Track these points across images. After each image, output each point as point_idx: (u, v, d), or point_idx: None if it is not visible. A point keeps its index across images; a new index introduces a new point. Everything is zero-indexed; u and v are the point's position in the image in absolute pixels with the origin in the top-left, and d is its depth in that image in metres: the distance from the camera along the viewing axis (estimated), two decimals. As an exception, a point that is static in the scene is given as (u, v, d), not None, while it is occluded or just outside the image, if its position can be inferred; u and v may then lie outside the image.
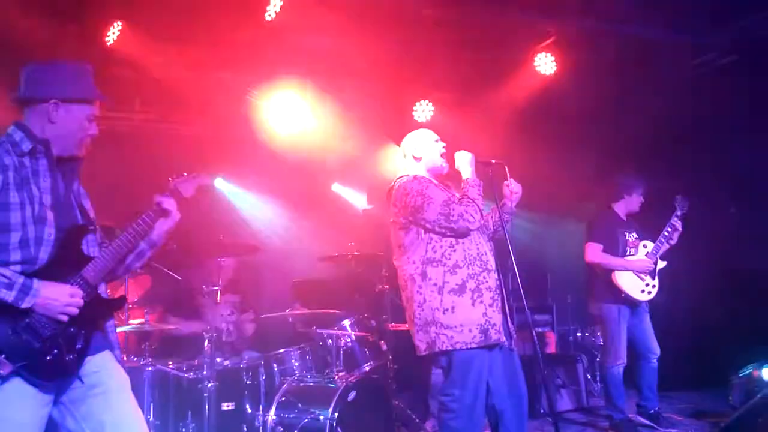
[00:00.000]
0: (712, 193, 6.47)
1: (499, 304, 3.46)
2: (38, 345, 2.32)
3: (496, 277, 3.52)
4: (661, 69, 6.54)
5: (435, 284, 3.39)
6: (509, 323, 3.51)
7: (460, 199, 3.50)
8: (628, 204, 5.41)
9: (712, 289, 6.49)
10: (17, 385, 2.29)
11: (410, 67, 6.32)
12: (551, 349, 7.19)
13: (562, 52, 6.20)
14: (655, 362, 5.26)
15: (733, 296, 6.33)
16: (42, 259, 2.38)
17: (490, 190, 3.63)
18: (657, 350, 5.26)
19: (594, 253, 5.22)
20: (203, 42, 5.55)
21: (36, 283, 2.31)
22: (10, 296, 2.26)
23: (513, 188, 3.72)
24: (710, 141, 6.55)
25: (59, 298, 2.34)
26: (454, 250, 3.43)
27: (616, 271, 5.15)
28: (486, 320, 3.37)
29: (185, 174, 2.81)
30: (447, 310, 3.36)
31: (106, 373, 2.55)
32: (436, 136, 3.78)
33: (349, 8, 5.25)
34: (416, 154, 3.71)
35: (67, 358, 2.39)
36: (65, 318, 2.36)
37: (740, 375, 5.21)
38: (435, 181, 3.65)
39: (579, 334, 7.33)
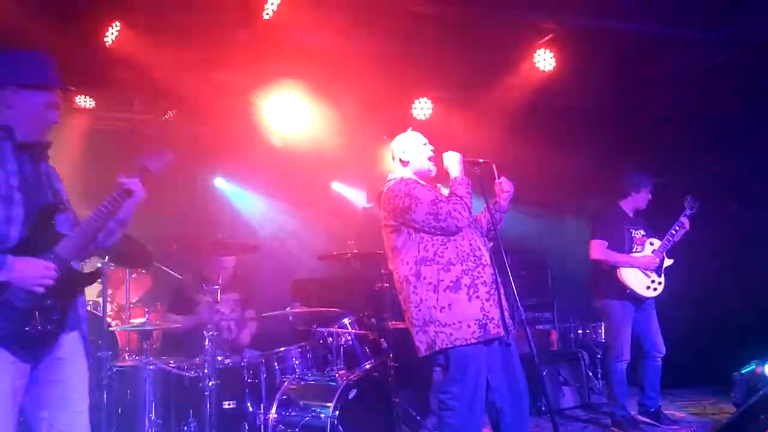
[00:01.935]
0: (713, 189, 6.46)
1: (496, 299, 3.45)
2: (16, 316, 2.45)
3: (492, 271, 3.51)
4: (660, 65, 6.53)
5: (430, 283, 3.39)
6: (507, 318, 3.49)
7: (447, 197, 3.51)
8: (635, 201, 5.38)
9: (714, 286, 6.48)
10: None
11: (409, 65, 6.31)
12: (553, 346, 7.18)
13: (562, 49, 6.18)
14: (659, 361, 5.24)
15: (736, 293, 6.32)
16: (14, 237, 2.49)
17: (480, 189, 3.64)
18: (663, 349, 5.24)
19: (599, 249, 5.18)
20: (201, 42, 5.55)
21: (10, 258, 2.44)
22: None
23: (504, 186, 3.74)
24: (711, 137, 6.53)
25: (33, 271, 2.47)
26: (447, 248, 3.43)
27: (621, 268, 5.13)
28: (484, 315, 3.36)
29: (153, 152, 2.87)
30: (444, 307, 3.35)
31: (69, 363, 2.64)
32: (425, 140, 3.78)
33: (346, 6, 5.24)
34: (404, 157, 3.72)
35: (45, 328, 2.52)
36: (41, 289, 2.48)
37: (742, 372, 5.18)
38: (422, 182, 3.65)
39: (580, 332, 7.32)
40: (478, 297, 3.39)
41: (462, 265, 3.42)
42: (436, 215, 3.41)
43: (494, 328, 3.38)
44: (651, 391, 5.25)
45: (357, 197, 8.88)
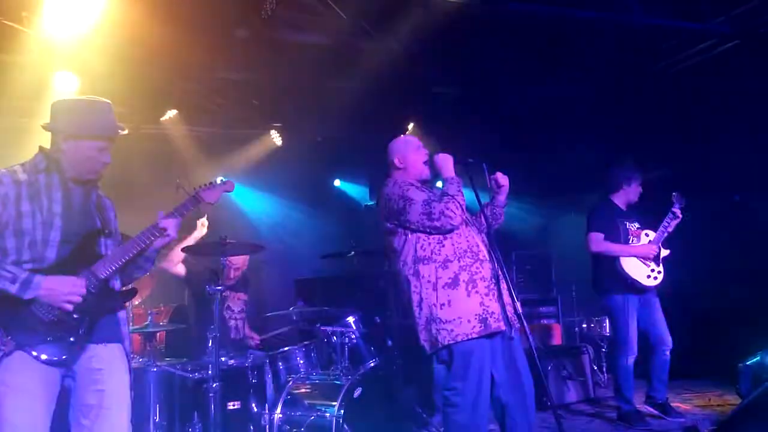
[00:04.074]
0: (716, 180, 6.44)
1: (496, 293, 3.47)
2: (40, 327, 2.65)
3: (491, 266, 3.53)
4: (661, 57, 6.51)
5: (429, 281, 3.43)
6: (510, 312, 3.49)
7: (440, 197, 3.54)
8: (627, 194, 5.38)
9: (719, 277, 6.47)
10: (20, 357, 2.61)
11: (411, 61, 6.30)
12: (557, 340, 7.17)
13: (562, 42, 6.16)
14: (667, 354, 5.22)
15: (740, 283, 6.30)
16: (49, 258, 2.71)
17: (472, 187, 3.68)
18: (670, 342, 5.22)
19: (597, 242, 5.19)
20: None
21: (38, 277, 2.63)
22: (14, 288, 2.58)
23: (500, 181, 3.79)
24: (714, 127, 6.51)
25: (61, 288, 2.64)
26: (443, 246, 3.48)
27: (621, 258, 5.13)
28: (483, 309, 3.38)
29: (211, 183, 3.21)
30: (444, 304, 3.38)
31: (108, 374, 2.81)
32: (420, 143, 3.84)
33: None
34: (399, 164, 3.77)
35: (68, 340, 2.69)
36: (69, 306, 2.66)
37: (747, 363, 5.17)
38: (417, 184, 3.70)
39: (585, 325, 7.31)
40: (477, 292, 3.41)
41: (459, 261, 3.45)
42: (430, 215, 3.45)
43: (495, 322, 3.39)
44: (658, 383, 5.24)
45: (360, 195, 8.88)
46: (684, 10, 5.72)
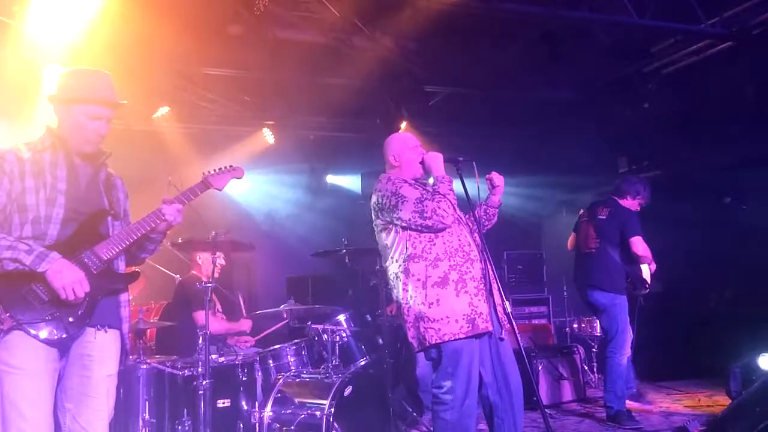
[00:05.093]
0: (708, 182, 6.45)
1: (485, 294, 3.46)
2: (39, 306, 2.63)
3: (482, 266, 3.52)
4: (654, 58, 6.53)
5: (419, 279, 3.42)
6: (497, 313, 3.48)
7: (432, 195, 3.53)
8: (630, 205, 5.44)
9: (710, 279, 6.49)
10: (18, 336, 2.60)
11: (404, 60, 6.29)
12: (548, 340, 7.18)
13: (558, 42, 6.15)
14: None
15: (730, 285, 6.33)
16: (51, 235, 2.70)
17: (463, 186, 3.66)
18: None
19: (643, 245, 5.22)
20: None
21: (54, 253, 2.62)
22: (28, 260, 2.58)
23: (495, 181, 3.78)
24: (706, 129, 6.53)
25: (69, 276, 2.61)
26: (434, 244, 3.47)
27: (645, 264, 5.26)
28: (472, 310, 3.37)
29: (220, 168, 3.17)
30: (432, 303, 3.37)
31: (98, 361, 2.78)
32: (416, 142, 3.83)
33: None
34: (394, 160, 3.77)
35: (67, 320, 2.67)
36: (63, 294, 2.61)
37: (738, 364, 5.20)
38: (410, 181, 3.68)
39: (576, 326, 7.32)
40: (466, 292, 3.40)
41: (450, 260, 3.44)
42: (422, 213, 3.44)
43: (483, 322, 3.38)
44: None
45: (352, 192, 8.87)
46: (677, 12, 5.73)
